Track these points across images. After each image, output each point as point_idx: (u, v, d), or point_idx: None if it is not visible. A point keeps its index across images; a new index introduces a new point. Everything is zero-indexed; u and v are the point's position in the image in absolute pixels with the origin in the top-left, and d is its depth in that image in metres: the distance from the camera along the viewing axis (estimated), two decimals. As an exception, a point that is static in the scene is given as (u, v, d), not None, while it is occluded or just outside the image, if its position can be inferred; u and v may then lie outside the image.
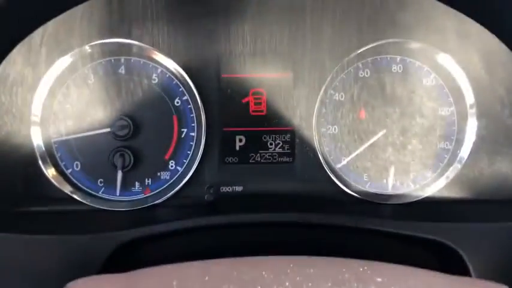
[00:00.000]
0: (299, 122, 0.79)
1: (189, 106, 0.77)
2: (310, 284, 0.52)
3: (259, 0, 0.81)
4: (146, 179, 0.79)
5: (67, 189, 0.77)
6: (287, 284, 0.51)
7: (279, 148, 0.80)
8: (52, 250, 0.65)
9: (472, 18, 0.67)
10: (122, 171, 0.76)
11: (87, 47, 0.77)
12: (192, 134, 0.78)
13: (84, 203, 0.77)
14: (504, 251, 0.68)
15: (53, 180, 0.76)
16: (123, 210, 0.77)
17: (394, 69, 0.82)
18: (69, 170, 0.78)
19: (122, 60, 0.78)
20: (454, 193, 0.79)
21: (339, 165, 0.79)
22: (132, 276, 0.55)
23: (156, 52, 0.77)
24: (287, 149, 0.81)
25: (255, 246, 0.56)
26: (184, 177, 0.77)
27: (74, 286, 0.57)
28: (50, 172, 0.76)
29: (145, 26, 0.77)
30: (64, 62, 0.76)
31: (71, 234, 0.69)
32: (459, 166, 0.78)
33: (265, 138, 0.79)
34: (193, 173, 0.77)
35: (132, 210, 0.77)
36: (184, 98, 0.78)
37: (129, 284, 0.53)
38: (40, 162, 0.75)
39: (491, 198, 0.78)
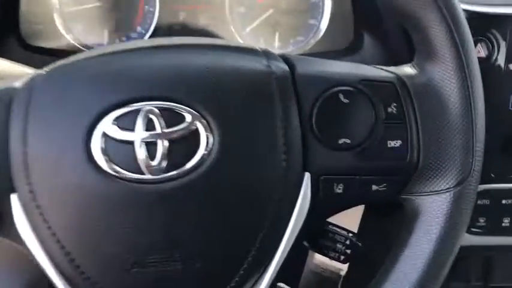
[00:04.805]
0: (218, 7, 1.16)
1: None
2: None
3: None
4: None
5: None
6: None
7: (209, 21, 1.17)
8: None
9: None
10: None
11: None
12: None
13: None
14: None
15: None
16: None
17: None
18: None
19: None
20: (318, 49, 1.16)
21: (244, 32, 1.17)
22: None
23: None
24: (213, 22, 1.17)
25: None
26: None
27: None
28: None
29: None
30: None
31: None
32: (321, 34, 1.16)
33: (199, 15, 1.17)
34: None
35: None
36: None
37: None
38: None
39: (337, 48, 1.15)
